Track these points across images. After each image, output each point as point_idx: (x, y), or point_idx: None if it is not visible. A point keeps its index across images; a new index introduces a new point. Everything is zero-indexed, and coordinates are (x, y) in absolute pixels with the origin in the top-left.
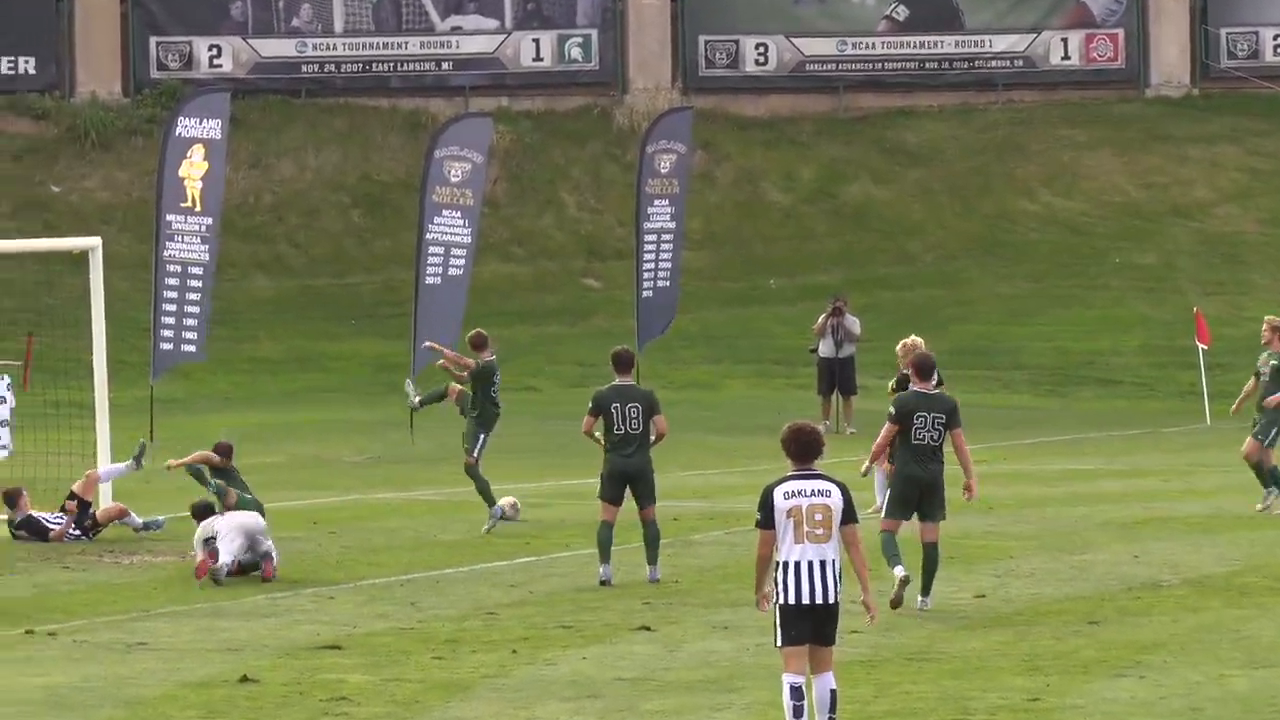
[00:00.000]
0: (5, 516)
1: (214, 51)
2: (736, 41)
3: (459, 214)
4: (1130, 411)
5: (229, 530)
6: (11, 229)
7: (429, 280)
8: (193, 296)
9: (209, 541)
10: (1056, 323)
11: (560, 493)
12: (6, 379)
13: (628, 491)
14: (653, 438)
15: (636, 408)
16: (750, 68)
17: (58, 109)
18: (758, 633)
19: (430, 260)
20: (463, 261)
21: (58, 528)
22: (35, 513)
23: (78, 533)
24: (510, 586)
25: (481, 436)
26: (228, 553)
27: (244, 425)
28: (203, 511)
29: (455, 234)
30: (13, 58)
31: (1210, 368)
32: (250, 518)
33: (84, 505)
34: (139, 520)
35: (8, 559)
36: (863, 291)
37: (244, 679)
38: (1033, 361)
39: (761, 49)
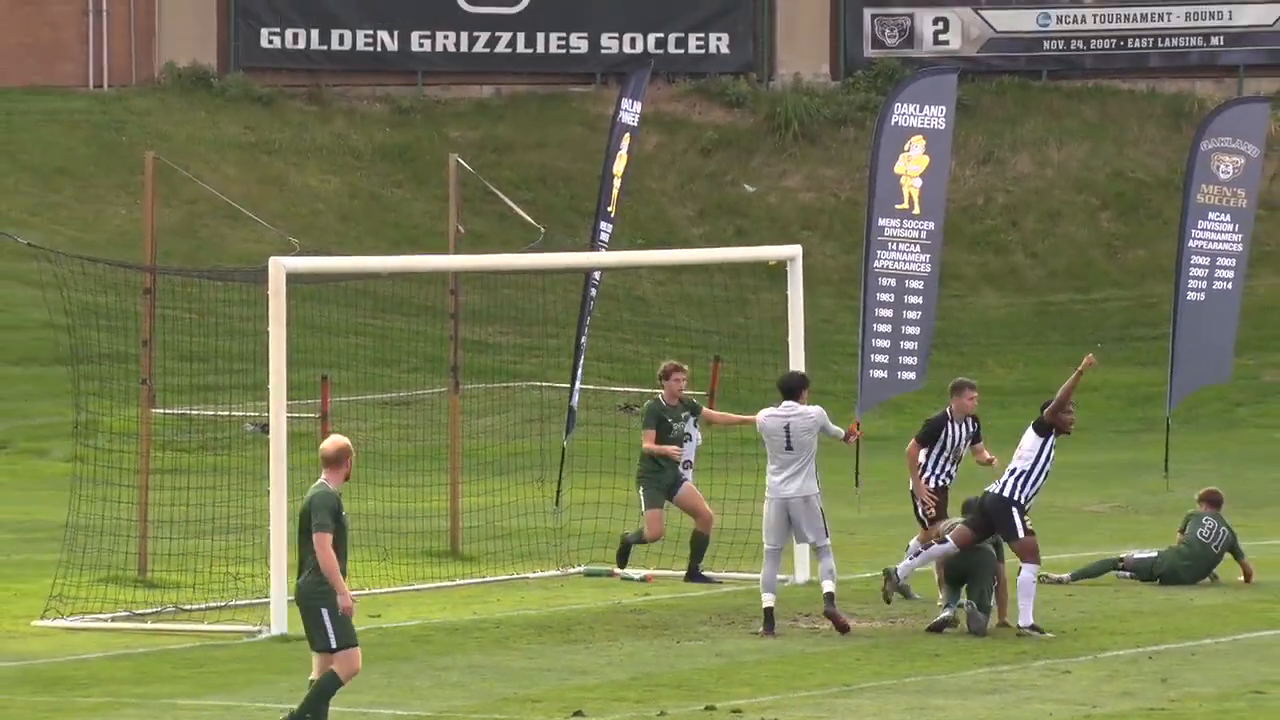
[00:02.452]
0: None
1: (940, 25)
2: None
3: (1227, 217)
4: None
5: None
6: (697, 236)
7: (1191, 296)
8: (911, 315)
9: None
10: None
11: None
12: (692, 416)
13: None
14: None
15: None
16: None
17: (754, 95)
18: None
19: (1193, 272)
20: (1231, 274)
21: None
22: None
23: None
24: None
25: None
26: None
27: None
28: None
29: (1223, 241)
30: (702, 35)
31: None
32: None
33: None
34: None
35: (687, 624)
36: None
37: None
38: None
39: None
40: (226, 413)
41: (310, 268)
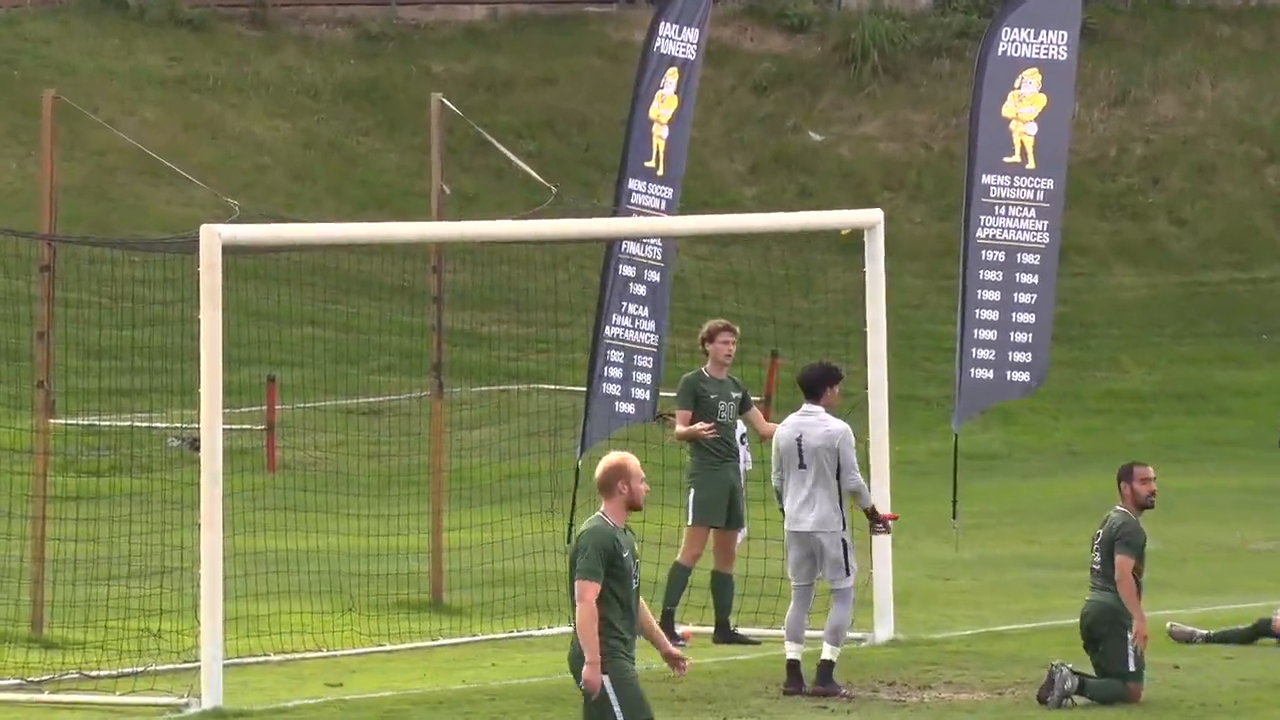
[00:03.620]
0: None
1: None
2: None
3: None
4: None
5: None
6: (749, 198)
7: None
8: (1024, 299)
9: None
10: None
11: None
12: (742, 428)
13: None
14: None
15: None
16: None
17: (822, 18)
18: None
19: None
20: None
21: None
22: None
23: None
24: None
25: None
26: None
27: (1091, 492)
28: None
29: None
30: None
31: None
32: None
33: None
34: None
35: (737, 696)
36: None
37: None
38: None
39: None
40: (146, 424)
41: (253, 237)
